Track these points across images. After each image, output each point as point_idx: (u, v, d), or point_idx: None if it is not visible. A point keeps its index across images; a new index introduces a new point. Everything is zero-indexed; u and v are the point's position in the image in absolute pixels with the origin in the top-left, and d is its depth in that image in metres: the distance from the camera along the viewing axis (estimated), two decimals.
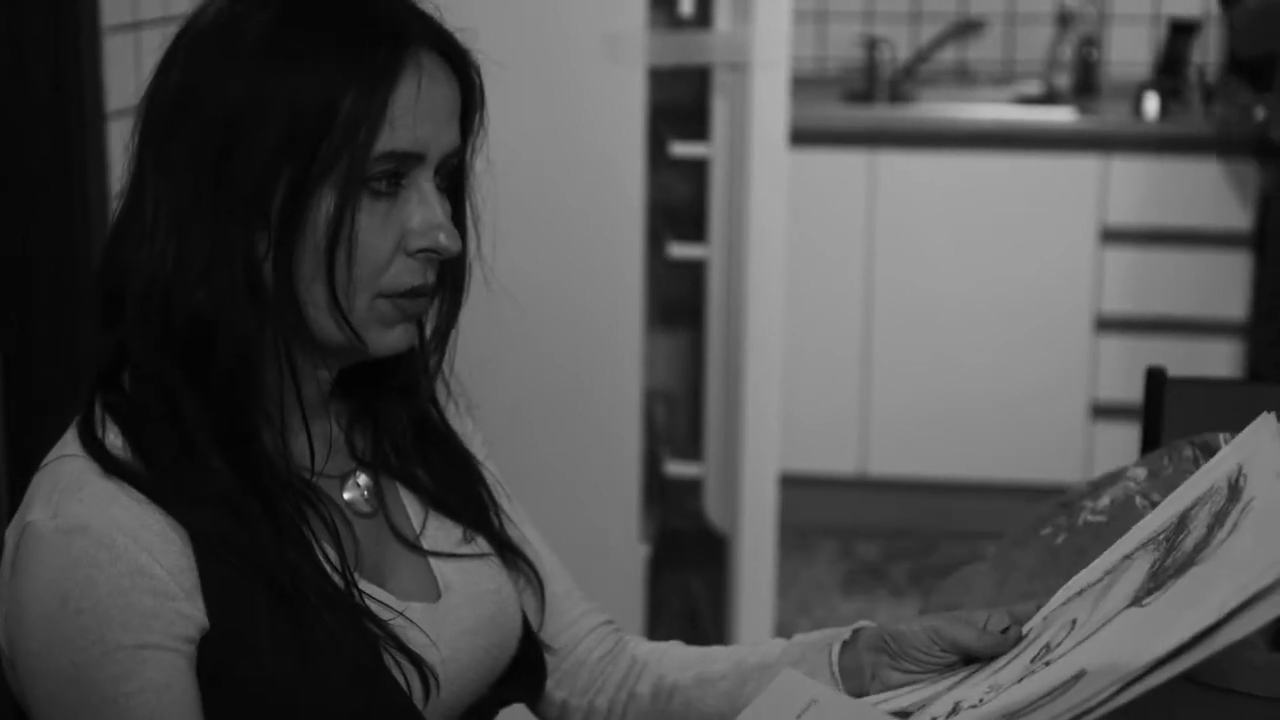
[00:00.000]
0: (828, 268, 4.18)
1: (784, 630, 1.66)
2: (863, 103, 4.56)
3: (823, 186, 4.19)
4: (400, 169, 1.24)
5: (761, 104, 3.14)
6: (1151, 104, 4.29)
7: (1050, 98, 4.55)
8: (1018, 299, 4.29)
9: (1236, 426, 1.75)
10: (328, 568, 1.26)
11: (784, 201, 3.20)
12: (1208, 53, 4.55)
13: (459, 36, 1.29)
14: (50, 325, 2.46)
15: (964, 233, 4.28)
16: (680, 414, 3.59)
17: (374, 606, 1.28)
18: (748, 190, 3.17)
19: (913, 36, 4.80)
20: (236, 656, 1.22)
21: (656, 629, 3.40)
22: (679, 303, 3.50)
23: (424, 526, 1.39)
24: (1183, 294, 4.22)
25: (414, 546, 1.38)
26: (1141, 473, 1.71)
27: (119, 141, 2.52)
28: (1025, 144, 4.23)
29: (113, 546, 1.19)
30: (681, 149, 3.33)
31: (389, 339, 1.28)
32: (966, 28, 4.77)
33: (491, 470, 1.48)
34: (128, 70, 2.54)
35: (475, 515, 1.42)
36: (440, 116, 1.26)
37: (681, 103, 3.38)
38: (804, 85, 4.35)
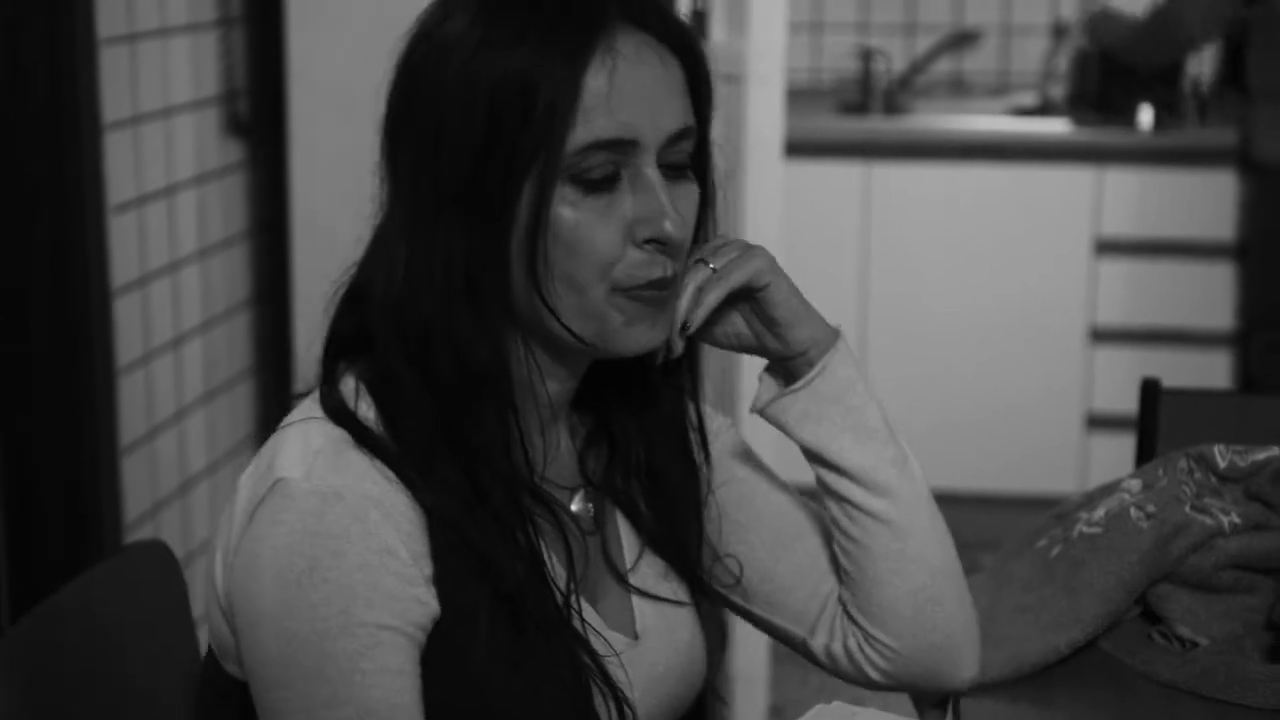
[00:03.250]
0: (822, 279, 4.17)
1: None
2: (857, 114, 4.56)
3: (818, 198, 4.19)
4: (616, 158, 1.22)
5: (756, 116, 3.14)
6: (1146, 116, 4.30)
7: (1045, 109, 4.56)
8: (1012, 310, 4.29)
9: (1231, 438, 1.76)
10: (553, 585, 1.26)
11: (779, 213, 3.21)
12: (1202, 64, 4.56)
13: (673, 9, 1.25)
14: (48, 338, 2.46)
15: (959, 244, 4.28)
16: None
17: (590, 636, 1.28)
18: (743, 202, 3.18)
19: (907, 48, 4.81)
20: (453, 652, 1.21)
21: None
22: None
23: (636, 562, 1.38)
24: (1178, 305, 4.23)
25: (622, 579, 1.37)
26: (1136, 484, 1.71)
27: (115, 153, 2.52)
28: (1020, 155, 4.23)
29: (365, 520, 1.18)
30: None
31: (634, 334, 1.26)
32: (961, 39, 4.77)
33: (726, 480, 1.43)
34: (124, 82, 2.54)
35: (686, 562, 1.40)
36: (653, 98, 1.22)
37: None
38: (799, 97, 4.35)
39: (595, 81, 1.20)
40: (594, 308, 1.23)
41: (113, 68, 2.50)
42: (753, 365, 1.42)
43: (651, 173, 1.23)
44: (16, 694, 1.36)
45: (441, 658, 1.21)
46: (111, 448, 2.52)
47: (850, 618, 1.39)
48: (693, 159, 1.28)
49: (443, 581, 1.21)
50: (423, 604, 1.20)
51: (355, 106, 2.87)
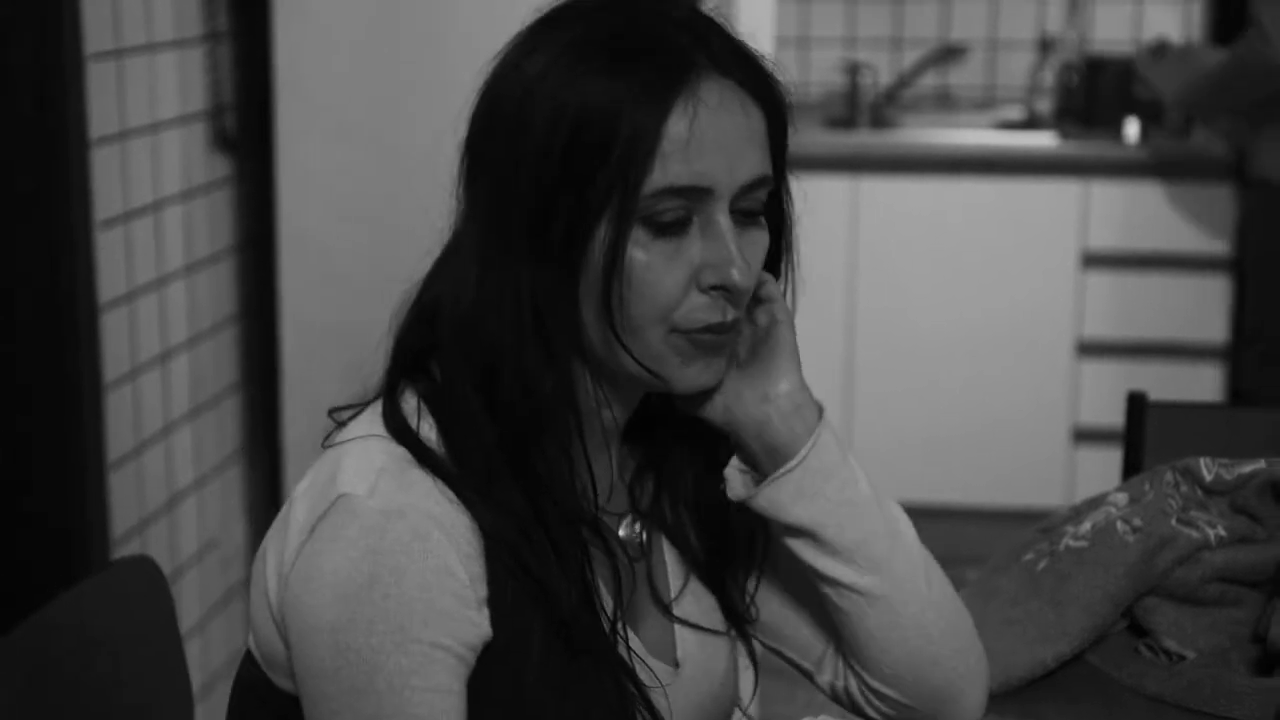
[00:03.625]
0: (810, 292, 4.17)
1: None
2: (845, 128, 4.57)
3: (805, 211, 4.19)
4: (690, 204, 1.23)
5: None
6: (1132, 129, 4.31)
7: (1032, 123, 4.57)
8: (1000, 323, 4.30)
9: (1217, 451, 1.76)
10: (601, 614, 1.27)
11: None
12: None
13: (761, 59, 1.27)
14: (35, 353, 2.46)
15: (946, 257, 4.29)
16: None
17: (635, 664, 1.29)
18: None
19: (894, 62, 4.82)
20: (504, 675, 1.22)
21: None
22: None
23: (681, 592, 1.39)
24: (1164, 318, 4.24)
25: (665, 609, 1.38)
26: (1123, 498, 1.72)
27: (102, 169, 2.52)
28: (1007, 169, 4.24)
29: (427, 539, 1.18)
30: None
31: (689, 374, 1.27)
32: (948, 53, 4.78)
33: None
34: (111, 98, 2.54)
35: (729, 594, 1.41)
36: (730, 148, 1.23)
37: None
38: None
39: (676, 128, 1.21)
40: (651, 348, 1.25)
41: (100, 83, 2.50)
42: None
43: (723, 220, 1.24)
44: (3, 710, 1.36)
45: (493, 680, 1.22)
46: (99, 463, 2.52)
47: (850, 668, 1.40)
48: (767, 206, 1.29)
49: (497, 605, 1.22)
50: (476, 626, 1.20)
51: (343, 121, 2.88)
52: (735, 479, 1.34)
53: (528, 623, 1.23)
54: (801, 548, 1.33)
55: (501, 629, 1.22)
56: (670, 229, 1.23)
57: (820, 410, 1.33)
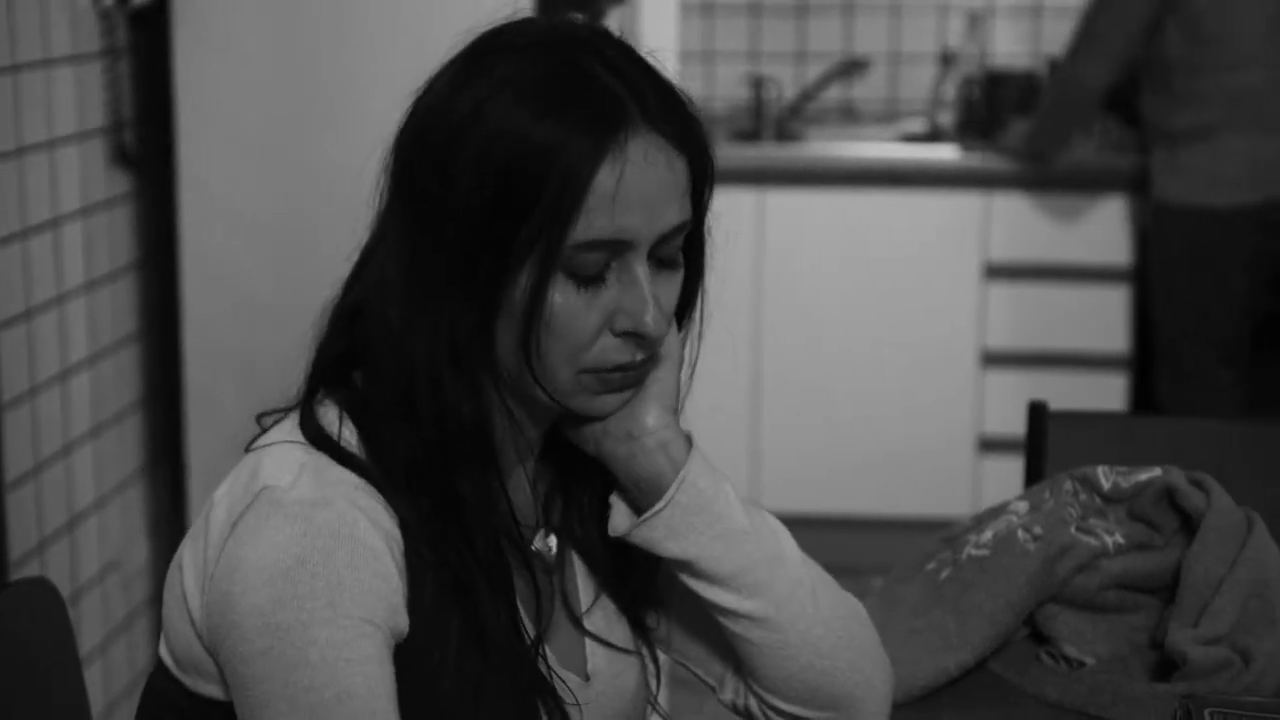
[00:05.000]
0: (716, 304, 4.18)
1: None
2: (750, 141, 4.59)
3: (712, 224, 4.19)
4: (609, 255, 1.24)
5: None
6: None
7: (934, 135, 4.61)
8: (904, 334, 4.33)
9: (1116, 459, 1.78)
10: (520, 623, 1.29)
11: None
12: None
13: (690, 106, 1.28)
14: None
15: (851, 269, 4.31)
16: None
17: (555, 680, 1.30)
18: None
19: (799, 75, 4.84)
20: (420, 675, 1.23)
21: None
22: None
23: (591, 606, 1.40)
24: (1066, 328, 4.28)
25: (576, 621, 1.39)
26: (1023, 506, 1.73)
27: None
28: (910, 181, 4.27)
29: (355, 524, 1.20)
30: None
31: (595, 405, 1.29)
32: (851, 67, 4.82)
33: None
34: (7, 114, 2.51)
35: (637, 609, 1.42)
36: (653, 201, 1.25)
37: None
38: None
39: (604, 183, 1.22)
40: (562, 385, 1.27)
41: None
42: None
43: (640, 269, 1.26)
44: None
45: (409, 680, 1.23)
46: None
47: (748, 686, 1.41)
48: (687, 241, 1.31)
49: (415, 603, 1.23)
50: (399, 615, 1.22)
51: (244, 137, 2.86)
52: (619, 509, 1.35)
53: (445, 624, 1.24)
54: (684, 576, 1.35)
55: (419, 628, 1.23)
56: (590, 280, 1.25)
57: (689, 442, 1.34)
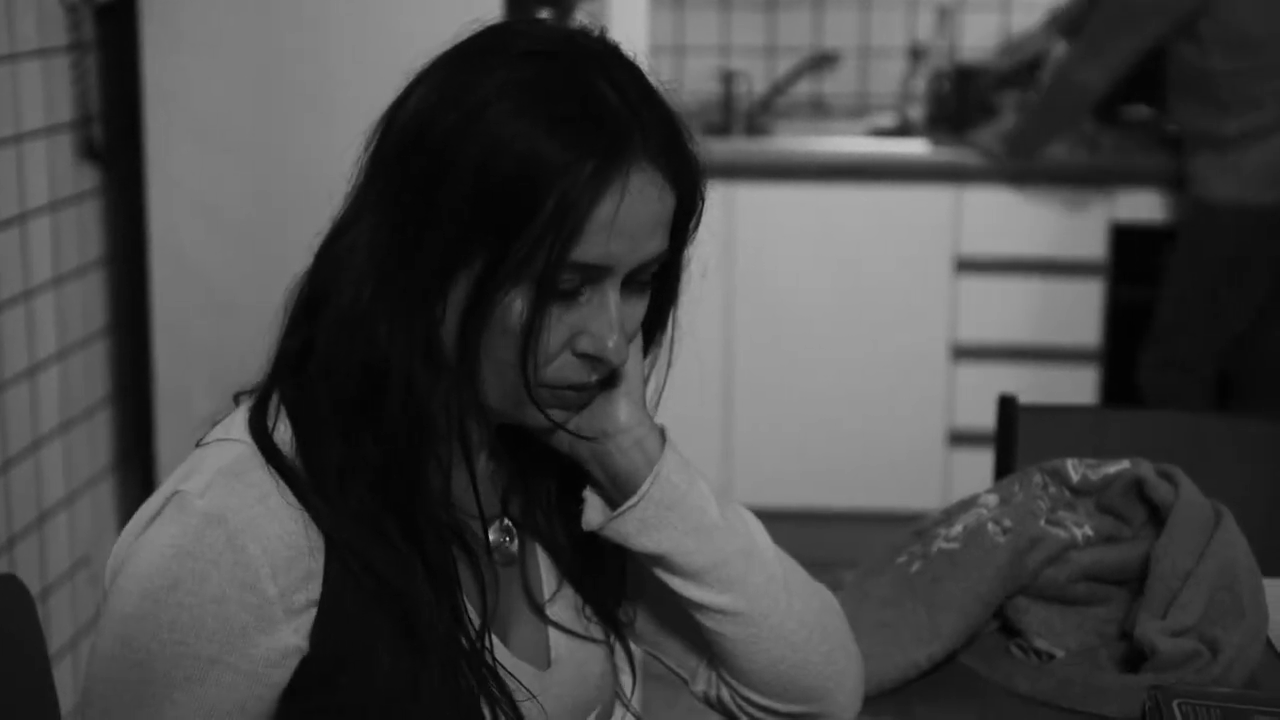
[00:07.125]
0: (686, 298, 4.18)
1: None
2: (720, 135, 4.59)
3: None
4: (586, 277, 1.23)
5: None
6: None
7: (904, 130, 4.61)
8: (875, 328, 4.33)
9: (1086, 452, 1.79)
10: (465, 617, 1.27)
11: None
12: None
13: (686, 134, 1.28)
14: None
15: (821, 263, 4.32)
16: None
17: (501, 672, 1.29)
18: None
19: (769, 70, 4.85)
20: (344, 678, 1.23)
21: None
22: None
23: (554, 595, 1.40)
24: (1037, 322, 4.29)
25: (539, 610, 1.38)
26: (993, 499, 1.73)
27: None
28: (880, 175, 4.28)
29: (241, 550, 1.20)
30: None
31: (540, 420, 1.28)
32: (821, 61, 4.82)
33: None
34: None
35: (603, 600, 1.42)
36: (640, 232, 1.24)
37: None
38: None
39: (604, 212, 1.21)
40: (516, 394, 1.26)
41: None
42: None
43: (612, 294, 1.25)
44: None
45: (337, 689, 1.23)
46: None
47: (721, 678, 1.42)
48: (662, 268, 1.31)
49: (332, 612, 1.22)
50: (276, 642, 1.21)
51: (213, 130, 2.85)
52: (593, 504, 1.35)
53: (374, 628, 1.23)
54: (657, 571, 1.35)
55: (344, 635, 1.22)
56: (563, 295, 1.24)
57: (663, 437, 1.34)
